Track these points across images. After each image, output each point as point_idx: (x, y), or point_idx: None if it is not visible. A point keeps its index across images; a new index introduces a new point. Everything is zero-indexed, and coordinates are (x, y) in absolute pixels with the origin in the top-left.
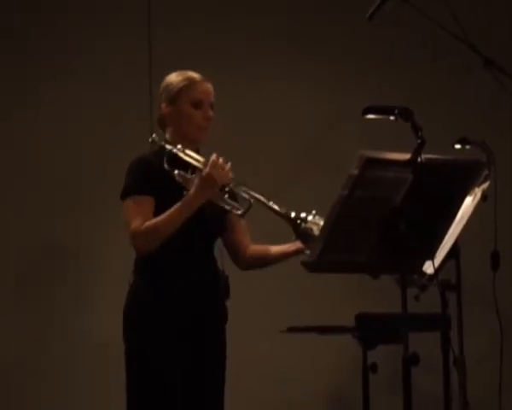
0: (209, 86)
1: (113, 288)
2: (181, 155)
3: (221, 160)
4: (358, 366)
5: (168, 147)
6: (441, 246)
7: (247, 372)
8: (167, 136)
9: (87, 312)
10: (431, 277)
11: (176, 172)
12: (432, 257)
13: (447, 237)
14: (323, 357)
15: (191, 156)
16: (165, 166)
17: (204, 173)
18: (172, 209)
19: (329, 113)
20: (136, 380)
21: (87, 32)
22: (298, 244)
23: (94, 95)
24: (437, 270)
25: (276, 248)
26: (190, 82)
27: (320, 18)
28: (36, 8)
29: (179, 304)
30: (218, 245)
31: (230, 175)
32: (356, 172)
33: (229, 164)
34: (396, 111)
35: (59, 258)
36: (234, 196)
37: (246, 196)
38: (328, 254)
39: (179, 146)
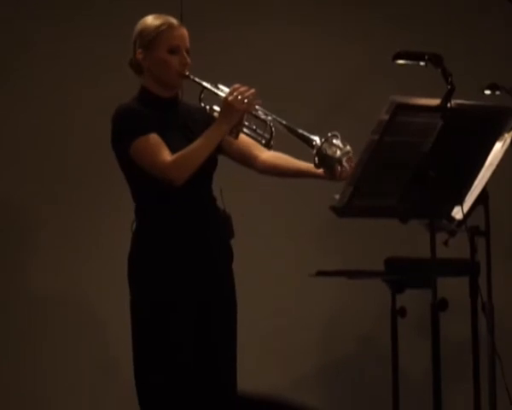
0: (185, 31)
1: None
2: (212, 88)
3: (242, 88)
4: (387, 311)
5: (199, 81)
6: (470, 191)
7: (277, 316)
8: (143, 81)
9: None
10: (460, 222)
11: (208, 107)
12: (461, 202)
13: (476, 182)
14: (353, 301)
15: (219, 88)
16: (202, 103)
17: (225, 101)
18: (200, 139)
19: (360, 60)
20: (145, 321)
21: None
22: (312, 166)
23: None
24: (466, 215)
25: (292, 162)
26: (167, 27)
27: None
28: None
29: (186, 249)
30: (219, 185)
31: (253, 101)
32: (386, 117)
33: (251, 91)
34: (426, 57)
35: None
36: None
37: (269, 122)
38: (358, 199)
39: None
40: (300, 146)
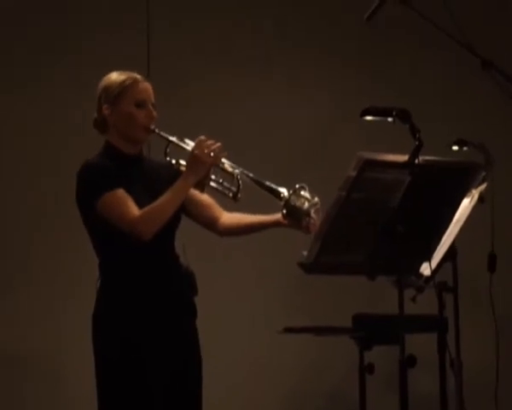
0: (149, 86)
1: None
2: (178, 142)
3: (209, 141)
4: (355, 367)
5: (165, 135)
6: (438, 248)
7: (244, 373)
8: (109, 138)
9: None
10: (428, 278)
11: (174, 161)
12: (429, 259)
13: (444, 238)
14: (321, 358)
15: (185, 142)
16: (167, 158)
17: (192, 154)
18: (166, 193)
19: (328, 114)
20: (109, 379)
21: (86, 30)
22: (278, 216)
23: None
24: (434, 271)
25: (253, 217)
26: (132, 82)
27: (320, 19)
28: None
29: (150, 306)
30: (182, 241)
31: (219, 154)
32: (354, 173)
33: (217, 144)
34: (394, 113)
35: None
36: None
37: (237, 174)
38: (326, 256)
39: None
40: (268, 197)
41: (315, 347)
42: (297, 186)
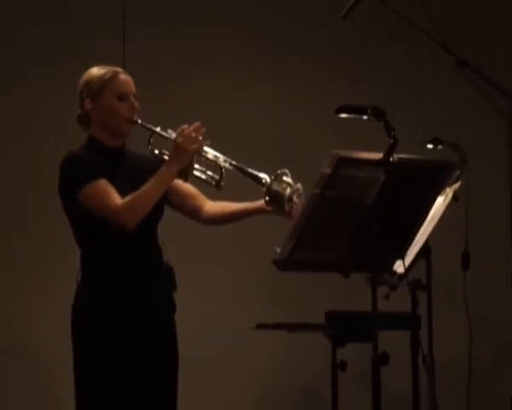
0: (130, 78)
1: None
2: (162, 132)
3: (192, 128)
4: (328, 364)
5: (148, 126)
6: (412, 245)
7: (217, 369)
8: (92, 132)
9: None
10: (401, 276)
11: (157, 151)
12: (402, 256)
13: (418, 236)
14: (293, 354)
15: (167, 132)
16: (149, 147)
17: (175, 142)
18: (149, 182)
19: (303, 112)
20: (87, 374)
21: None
22: (261, 203)
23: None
24: (407, 269)
25: (236, 205)
26: (112, 75)
27: (293, 18)
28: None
29: (131, 300)
30: (161, 237)
31: (202, 142)
32: (328, 171)
33: (201, 130)
34: (369, 111)
35: None
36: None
37: (220, 162)
38: (299, 253)
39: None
40: (251, 185)
41: (289, 344)
42: (278, 172)
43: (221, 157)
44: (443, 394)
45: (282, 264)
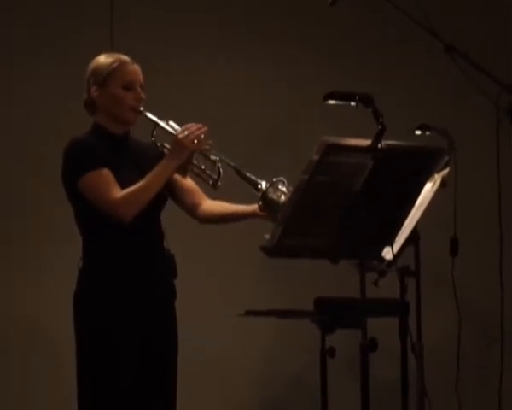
0: (137, 67)
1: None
2: (165, 126)
3: (194, 127)
4: (317, 351)
5: (153, 117)
6: (400, 232)
7: (206, 357)
8: (98, 119)
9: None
10: (390, 262)
11: (159, 143)
12: (391, 243)
13: (406, 222)
14: (282, 341)
15: (170, 125)
16: (152, 139)
17: (175, 138)
18: (148, 176)
19: (291, 99)
20: (90, 360)
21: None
22: (255, 207)
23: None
24: (396, 256)
25: (231, 207)
26: (120, 64)
27: (281, 3)
28: None
29: (132, 287)
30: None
31: (203, 141)
32: (317, 157)
33: (203, 129)
34: (357, 97)
35: None
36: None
37: (218, 162)
38: (288, 239)
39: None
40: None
41: (277, 331)
42: (274, 179)
43: (220, 157)
44: (432, 379)
45: (271, 250)
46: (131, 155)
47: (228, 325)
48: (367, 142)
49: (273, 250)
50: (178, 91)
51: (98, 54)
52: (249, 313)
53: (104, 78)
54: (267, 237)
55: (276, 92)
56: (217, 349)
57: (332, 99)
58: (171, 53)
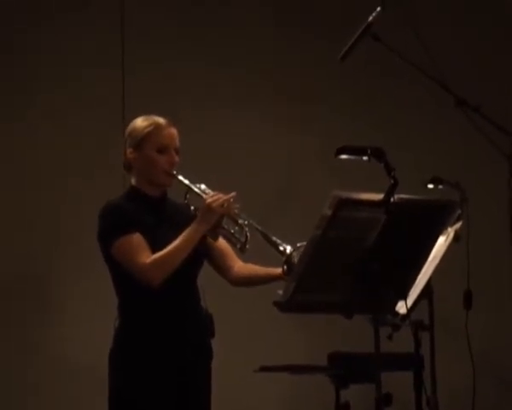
0: (174, 131)
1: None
2: (196, 189)
3: (224, 195)
4: (332, 405)
5: (184, 181)
6: (414, 286)
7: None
8: (133, 180)
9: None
10: (404, 316)
11: (192, 207)
12: (404, 297)
13: (420, 276)
14: (296, 396)
15: (201, 189)
16: (186, 201)
17: (204, 203)
18: (177, 240)
19: (303, 153)
20: None
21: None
22: (280, 270)
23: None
24: (410, 310)
25: (261, 270)
26: (155, 127)
27: (293, 59)
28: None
29: (165, 350)
30: (200, 283)
31: (232, 205)
32: (329, 212)
33: (232, 194)
34: (369, 151)
35: (32, 283)
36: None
37: (245, 226)
38: (301, 294)
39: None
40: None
41: (292, 386)
42: (299, 245)
43: (247, 221)
44: None
45: (284, 306)
46: (168, 217)
47: (242, 379)
48: (379, 196)
49: (286, 306)
50: (189, 142)
51: None
52: (264, 369)
53: (139, 141)
54: (280, 292)
55: (289, 147)
56: (230, 403)
57: (344, 154)
58: (185, 100)
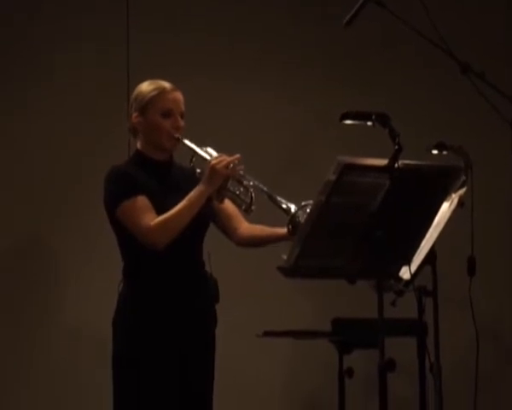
0: (179, 95)
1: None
2: (201, 153)
3: (229, 157)
4: (334, 371)
5: (190, 145)
6: (418, 252)
7: (222, 377)
8: (138, 144)
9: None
10: (407, 282)
11: (198, 170)
12: (408, 263)
13: (424, 242)
14: (300, 361)
15: (207, 152)
16: (191, 164)
17: (209, 165)
18: (181, 203)
19: (307, 119)
20: (124, 387)
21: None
22: (285, 231)
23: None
24: (413, 275)
25: (266, 230)
26: (160, 92)
27: (297, 25)
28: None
29: (169, 312)
30: (207, 249)
31: (236, 167)
32: (333, 177)
33: (236, 156)
34: (373, 117)
35: (35, 246)
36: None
37: (250, 187)
38: (305, 260)
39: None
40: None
41: (295, 351)
42: (303, 203)
43: (252, 182)
44: (450, 399)
45: (288, 271)
46: (174, 180)
47: (245, 344)
48: (384, 161)
49: (290, 271)
50: (191, 114)
51: None
52: (267, 333)
53: (144, 105)
54: (284, 257)
55: (292, 114)
56: (234, 368)
57: (348, 119)
58: (189, 73)
